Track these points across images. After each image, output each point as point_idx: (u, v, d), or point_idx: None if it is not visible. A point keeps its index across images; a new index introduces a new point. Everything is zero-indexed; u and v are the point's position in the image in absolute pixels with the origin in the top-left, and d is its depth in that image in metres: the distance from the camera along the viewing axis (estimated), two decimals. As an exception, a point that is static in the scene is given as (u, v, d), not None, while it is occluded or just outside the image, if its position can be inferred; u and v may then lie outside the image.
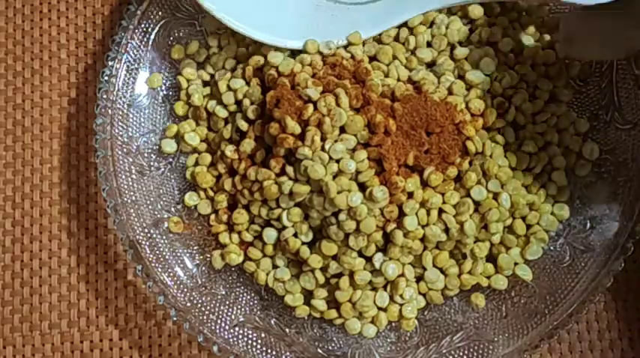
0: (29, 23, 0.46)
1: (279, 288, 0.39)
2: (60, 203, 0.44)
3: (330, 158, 0.36)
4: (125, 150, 0.41)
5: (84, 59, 0.46)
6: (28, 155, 0.44)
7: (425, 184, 0.37)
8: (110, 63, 0.41)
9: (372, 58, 0.40)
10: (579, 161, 0.40)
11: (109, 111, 0.41)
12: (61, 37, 0.46)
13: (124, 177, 0.41)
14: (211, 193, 0.41)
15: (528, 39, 0.41)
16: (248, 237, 0.40)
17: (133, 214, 0.40)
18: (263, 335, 0.39)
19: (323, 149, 0.37)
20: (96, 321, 0.42)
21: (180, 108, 0.42)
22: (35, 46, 0.46)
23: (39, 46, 0.46)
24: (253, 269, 0.40)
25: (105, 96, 0.41)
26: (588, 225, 0.39)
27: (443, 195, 0.37)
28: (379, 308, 0.39)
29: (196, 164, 0.42)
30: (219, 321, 0.39)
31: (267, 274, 0.40)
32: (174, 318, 0.38)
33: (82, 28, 0.46)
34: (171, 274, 0.40)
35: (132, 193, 0.41)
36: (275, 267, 0.40)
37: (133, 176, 0.41)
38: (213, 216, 0.41)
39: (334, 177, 0.36)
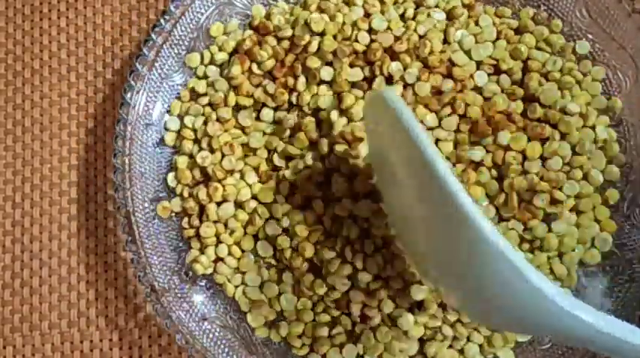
0: (29, 23, 0.46)
1: (243, 304, 0.39)
2: (60, 203, 0.44)
3: None
4: (147, 121, 0.41)
5: (84, 59, 0.46)
6: (28, 155, 0.44)
7: None
8: (153, 35, 0.41)
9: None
10: (591, 249, 0.39)
11: (141, 81, 0.41)
12: (61, 37, 0.46)
13: (139, 146, 0.40)
14: (186, 193, 0.40)
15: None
16: (217, 252, 0.39)
17: (138, 185, 0.40)
18: (229, 335, 0.39)
19: None
20: (96, 321, 0.42)
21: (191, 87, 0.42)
22: (35, 46, 0.46)
23: (39, 46, 0.46)
24: (222, 282, 0.40)
25: (139, 65, 0.41)
26: None
27: None
28: None
29: (182, 153, 0.41)
30: (190, 311, 0.39)
31: (237, 287, 0.40)
32: (148, 298, 0.38)
33: (82, 28, 0.46)
34: (159, 253, 0.40)
35: (142, 164, 0.40)
36: (246, 284, 0.40)
37: (149, 148, 0.41)
38: (186, 219, 0.40)
39: None
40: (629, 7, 0.40)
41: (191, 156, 0.40)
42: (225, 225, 0.39)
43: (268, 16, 0.42)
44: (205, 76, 0.42)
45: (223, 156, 0.39)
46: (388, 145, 0.32)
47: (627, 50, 0.40)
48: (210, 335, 0.39)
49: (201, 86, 0.41)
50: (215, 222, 0.39)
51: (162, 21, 0.41)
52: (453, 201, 0.24)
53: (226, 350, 0.39)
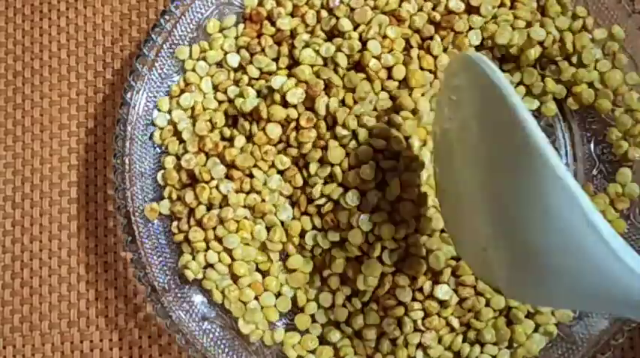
0: (29, 23, 0.46)
1: (235, 310, 0.39)
2: (60, 203, 0.44)
3: None
4: (147, 121, 0.41)
5: (84, 59, 0.46)
6: (28, 155, 0.44)
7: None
8: (153, 35, 0.41)
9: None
10: None
11: (141, 81, 0.41)
12: (61, 37, 0.46)
13: (139, 146, 0.40)
14: (174, 196, 0.39)
15: None
16: (207, 258, 0.39)
17: (138, 185, 0.40)
18: (229, 335, 0.39)
19: None
20: (96, 321, 0.42)
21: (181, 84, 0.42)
22: (35, 46, 0.46)
23: (39, 46, 0.46)
24: (210, 288, 0.39)
25: (139, 65, 0.41)
26: (576, 314, 0.38)
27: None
28: None
29: (169, 153, 0.40)
30: (190, 311, 0.39)
31: (227, 294, 0.39)
32: (148, 298, 0.38)
33: (82, 28, 0.46)
34: (159, 253, 0.40)
35: (142, 164, 0.40)
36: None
37: (149, 148, 0.41)
38: (175, 223, 0.40)
39: None
40: (629, 7, 0.40)
41: (178, 157, 0.40)
42: (214, 231, 0.39)
43: (260, 4, 0.42)
44: (193, 70, 0.42)
45: (208, 157, 0.39)
46: (466, 111, 0.31)
47: (627, 50, 0.40)
48: (210, 335, 0.39)
49: (192, 78, 0.41)
50: (202, 226, 0.39)
51: (162, 21, 0.41)
52: (527, 137, 0.24)
53: (226, 350, 0.39)
